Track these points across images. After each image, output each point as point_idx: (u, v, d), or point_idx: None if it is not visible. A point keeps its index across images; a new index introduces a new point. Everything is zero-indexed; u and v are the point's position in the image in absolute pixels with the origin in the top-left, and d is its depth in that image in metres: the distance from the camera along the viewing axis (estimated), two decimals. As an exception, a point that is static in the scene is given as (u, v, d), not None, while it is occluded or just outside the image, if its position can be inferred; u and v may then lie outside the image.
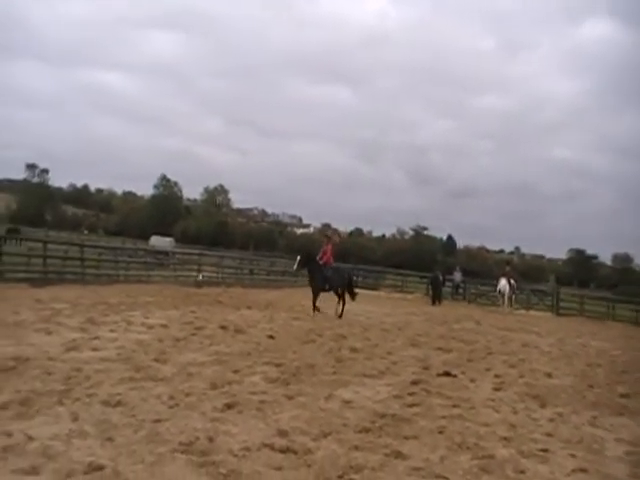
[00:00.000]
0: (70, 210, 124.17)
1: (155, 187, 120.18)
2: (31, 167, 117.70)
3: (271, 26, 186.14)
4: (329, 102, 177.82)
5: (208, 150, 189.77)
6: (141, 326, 12.94)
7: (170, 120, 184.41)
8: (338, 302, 19.94)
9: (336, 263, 21.80)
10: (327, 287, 19.68)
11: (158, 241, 69.90)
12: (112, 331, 11.91)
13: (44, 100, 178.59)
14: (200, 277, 28.93)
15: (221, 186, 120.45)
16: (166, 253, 36.49)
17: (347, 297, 20.36)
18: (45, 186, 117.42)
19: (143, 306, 16.46)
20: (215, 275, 31.81)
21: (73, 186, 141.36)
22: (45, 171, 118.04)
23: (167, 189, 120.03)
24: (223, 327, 13.73)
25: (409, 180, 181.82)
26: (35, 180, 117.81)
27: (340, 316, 19.13)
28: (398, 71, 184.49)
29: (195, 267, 31.07)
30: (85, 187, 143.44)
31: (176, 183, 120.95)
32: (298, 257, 19.86)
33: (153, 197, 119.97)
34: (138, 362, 9.11)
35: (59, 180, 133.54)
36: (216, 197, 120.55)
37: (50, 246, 26.10)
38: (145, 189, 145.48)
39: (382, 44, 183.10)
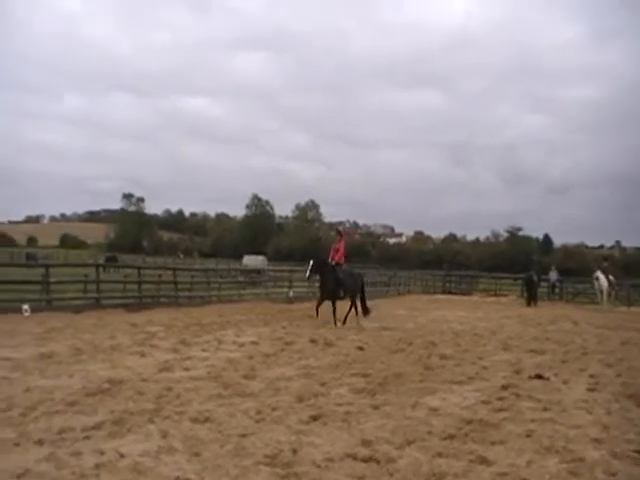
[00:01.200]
0: (166, 235, 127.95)
1: (247, 207, 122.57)
2: (127, 197, 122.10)
3: (354, 35, 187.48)
4: (416, 108, 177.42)
5: (296, 166, 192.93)
6: (232, 344, 13.22)
7: (258, 139, 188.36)
8: (350, 309, 18.53)
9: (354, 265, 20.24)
10: (340, 293, 17.98)
11: (251, 260, 70.96)
12: (204, 351, 12.22)
13: (135, 130, 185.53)
14: (291, 293, 29.22)
15: (312, 201, 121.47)
16: (258, 271, 37.08)
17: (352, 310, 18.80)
18: (141, 214, 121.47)
19: (235, 325, 16.80)
20: (306, 290, 32.08)
21: (168, 212, 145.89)
22: (141, 199, 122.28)
23: (259, 208, 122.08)
24: (313, 341, 13.87)
25: (502, 181, 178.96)
26: (132, 209, 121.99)
27: (344, 322, 17.81)
28: (485, 71, 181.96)
29: (286, 283, 31.42)
30: (179, 212, 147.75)
31: (268, 202, 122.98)
32: (310, 262, 18.11)
33: (246, 217, 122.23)
34: (227, 379, 9.32)
35: (154, 207, 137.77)
36: (307, 212, 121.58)
37: (145, 272, 26.96)
38: (238, 210, 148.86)
39: (468, 44, 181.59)
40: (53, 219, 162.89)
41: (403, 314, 22.85)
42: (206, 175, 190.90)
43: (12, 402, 7.59)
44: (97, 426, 6.59)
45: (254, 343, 13.44)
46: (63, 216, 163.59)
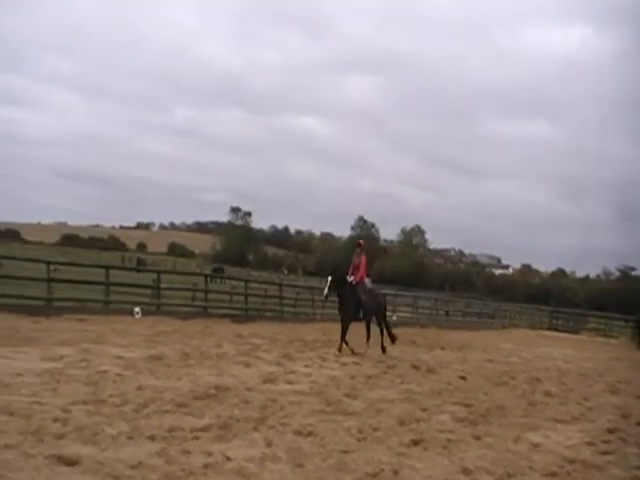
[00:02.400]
0: (271, 251, 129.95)
1: (352, 228, 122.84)
2: (235, 210, 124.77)
3: (468, 62, 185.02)
4: (527, 137, 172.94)
5: (404, 190, 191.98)
6: (334, 363, 13.37)
7: (365, 161, 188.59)
8: (381, 334, 16.17)
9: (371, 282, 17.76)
10: (361, 315, 15.60)
11: (353, 281, 70.86)
12: (307, 366, 12.41)
13: (246, 146, 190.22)
14: (394, 317, 29.14)
15: (417, 227, 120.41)
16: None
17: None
18: (248, 228, 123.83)
19: (337, 344, 16.90)
20: (410, 315, 31.92)
21: (274, 228, 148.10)
22: (248, 214, 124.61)
23: (364, 230, 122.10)
24: (415, 366, 13.83)
25: (616, 217, 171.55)
26: (239, 222, 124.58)
27: (384, 350, 15.82)
28: (601, 102, 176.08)
29: (389, 307, 31.33)
30: (285, 229, 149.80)
31: (373, 224, 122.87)
32: (329, 278, 15.68)
33: (350, 238, 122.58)
34: (330, 396, 9.44)
35: (261, 222, 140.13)
36: (413, 237, 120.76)
37: (251, 285, 27.54)
38: (343, 230, 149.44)
39: (584, 73, 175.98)
40: (162, 227, 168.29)
41: (508, 348, 22.43)
42: (312, 193, 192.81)
43: (125, 398, 7.97)
44: (205, 428, 6.84)
45: (356, 364, 13.54)
46: (172, 225, 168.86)
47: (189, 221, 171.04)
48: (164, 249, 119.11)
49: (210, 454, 5.99)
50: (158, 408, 7.59)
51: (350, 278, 15.72)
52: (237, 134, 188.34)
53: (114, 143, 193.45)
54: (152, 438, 6.34)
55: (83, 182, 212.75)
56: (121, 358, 11.20)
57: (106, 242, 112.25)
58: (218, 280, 40.10)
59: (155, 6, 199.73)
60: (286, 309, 25.42)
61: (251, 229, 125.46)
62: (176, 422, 7.00)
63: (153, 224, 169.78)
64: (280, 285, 27.83)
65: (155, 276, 23.01)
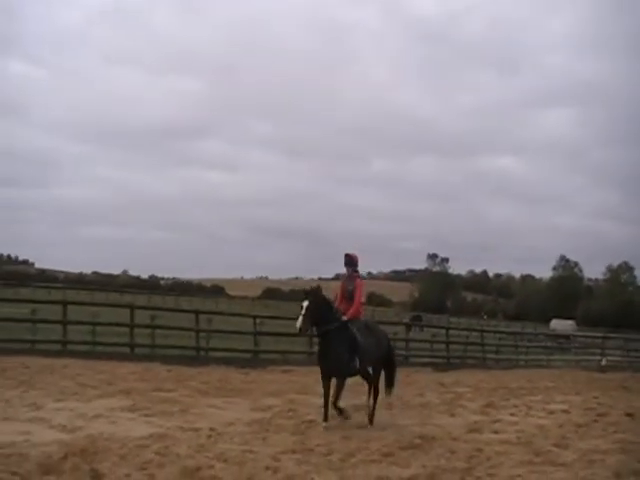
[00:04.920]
0: (470, 296, 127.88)
1: (554, 268, 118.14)
2: (432, 257, 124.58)
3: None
4: None
5: (607, 225, 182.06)
6: (541, 411, 12.79)
7: (564, 196, 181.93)
8: (369, 392, 10.70)
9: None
10: (354, 366, 10.07)
11: (559, 324, 68.01)
12: (512, 415, 11.99)
13: (439, 191, 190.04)
14: (604, 361, 27.50)
15: (625, 263, 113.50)
16: (567, 337, 35.55)
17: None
18: (446, 274, 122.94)
19: (543, 391, 16.25)
20: (620, 359, 29.98)
21: (472, 272, 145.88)
22: (445, 260, 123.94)
23: (567, 270, 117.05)
24: (629, 414, 12.90)
25: None
26: (436, 269, 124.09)
27: (371, 420, 10.39)
28: None
29: (598, 351, 29.66)
30: (484, 273, 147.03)
31: (576, 263, 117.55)
32: (305, 303, 9.97)
33: (552, 279, 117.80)
34: (538, 446, 9.03)
35: (458, 267, 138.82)
36: (620, 275, 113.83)
37: (451, 332, 27.20)
38: (544, 271, 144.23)
39: None
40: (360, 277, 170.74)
41: None
42: (510, 235, 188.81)
43: (332, 447, 8.15)
44: (411, 478, 6.81)
45: (565, 411, 12.85)
46: (370, 274, 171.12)
47: (386, 270, 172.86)
48: (362, 299, 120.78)
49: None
50: (364, 458, 7.67)
51: (340, 314, 10.25)
52: (432, 180, 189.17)
53: (313, 198, 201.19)
54: (358, 487, 6.41)
55: (283, 237, 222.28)
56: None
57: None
58: (417, 328, 40.01)
59: (346, 63, 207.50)
60: (489, 356, 24.81)
61: (449, 275, 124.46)
62: (383, 472, 7.03)
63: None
64: (482, 332, 27.28)
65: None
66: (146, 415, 9.92)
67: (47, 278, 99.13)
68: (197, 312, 19.91)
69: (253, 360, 18.37)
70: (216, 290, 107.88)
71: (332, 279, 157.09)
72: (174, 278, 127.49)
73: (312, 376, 15.81)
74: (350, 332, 10.11)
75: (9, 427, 8.39)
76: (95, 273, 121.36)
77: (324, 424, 9.73)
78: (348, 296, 10.70)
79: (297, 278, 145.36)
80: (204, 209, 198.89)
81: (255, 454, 7.57)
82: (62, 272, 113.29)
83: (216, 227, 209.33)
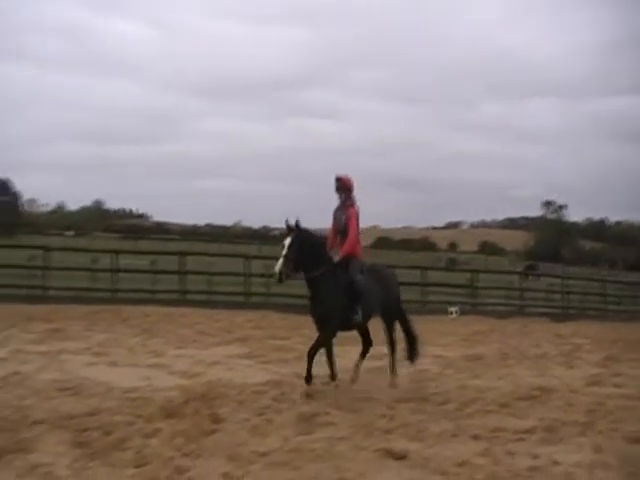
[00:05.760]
0: (587, 245, 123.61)
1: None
2: (548, 204, 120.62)
3: None
4: None
5: None
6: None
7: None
8: (391, 351, 9.08)
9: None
10: (356, 317, 8.25)
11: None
12: (633, 368, 11.50)
13: (555, 135, 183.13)
14: None
15: None
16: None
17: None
18: (562, 222, 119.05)
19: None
20: None
21: (590, 220, 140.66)
22: (562, 207, 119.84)
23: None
24: None
25: None
26: (552, 216, 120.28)
27: (393, 372, 8.97)
28: None
29: None
30: (602, 220, 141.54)
31: None
32: (287, 241, 8.00)
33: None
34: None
35: (576, 215, 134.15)
36: None
37: (569, 282, 26.44)
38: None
39: None
40: (473, 226, 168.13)
41: None
42: (631, 180, 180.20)
43: (447, 397, 8.16)
44: (529, 430, 6.69)
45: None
46: (483, 223, 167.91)
47: (500, 218, 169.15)
48: (475, 247, 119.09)
49: (536, 457, 5.84)
50: (480, 408, 7.61)
51: (334, 255, 8.32)
52: (547, 124, 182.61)
53: (424, 146, 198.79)
54: (476, 438, 6.37)
55: (393, 186, 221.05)
56: (441, 357, 11.48)
57: (417, 243, 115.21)
58: (531, 278, 39.13)
59: (457, 4, 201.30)
60: (610, 307, 23.99)
61: (565, 223, 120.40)
62: (499, 423, 6.97)
63: (463, 223, 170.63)
64: (603, 281, 26.38)
65: (468, 275, 23.15)
66: (262, 362, 10.22)
67: (163, 230, 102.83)
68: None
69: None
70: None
71: (444, 228, 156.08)
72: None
73: (426, 325, 15.86)
74: (347, 275, 8.22)
75: (133, 372, 8.87)
76: (208, 225, 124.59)
77: (306, 387, 7.93)
78: (341, 230, 8.46)
79: (408, 227, 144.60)
80: (314, 159, 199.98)
81: (370, 402, 7.67)
82: (177, 224, 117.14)
83: (326, 177, 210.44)
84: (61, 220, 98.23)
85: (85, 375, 8.50)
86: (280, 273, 7.89)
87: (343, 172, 8.83)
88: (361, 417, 6.91)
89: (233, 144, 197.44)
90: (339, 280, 8.17)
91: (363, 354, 9.06)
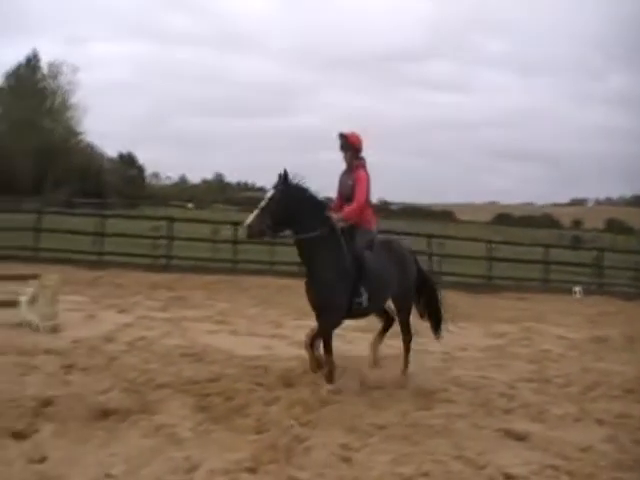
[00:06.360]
0: None
1: None
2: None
3: None
4: None
5: None
6: None
7: None
8: (405, 338, 7.56)
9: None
10: (363, 300, 6.64)
11: None
12: None
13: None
14: None
15: None
16: None
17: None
18: None
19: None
20: None
21: None
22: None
23: None
24: None
25: None
26: None
27: (405, 368, 7.44)
28: None
29: None
30: None
31: None
32: (269, 194, 6.59)
33: None
34: None
35: None
36: None
37: None
38: None
39: None
40: (598, 202, 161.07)
41: None
42: None
43: (570, 379, 7.91)
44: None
45: None
46: (609, 200, 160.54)
47: (628, 195, 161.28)
48: (600, 226, 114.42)
49: None
50: (605, 392, 7.33)
51: (334, 215, 6.80)
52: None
53: (548, 118, 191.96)
54: (600, 422, 6.14)
55: (517, 160, 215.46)
56: (563, 338, 11.13)
57: (539, 220, 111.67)
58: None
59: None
60: None
61: None
62: (625, 409, 6.68)
63: (588, 200, 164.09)
64: None
65: (594, 254, 22.29)
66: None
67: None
68: (430, 236, 19.93)
69: (485, 285, 18.18)
70: (445, 214, 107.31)
71: (568, 204, 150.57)
72: (402, 203, 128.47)
73: (548, 304, 15.46)
74: (349, 246, 6.66)
75: (254, 342, 9.07)
76: (327, 198, 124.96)
77: (328, 387, 6.41)
78: (347, 197, 6.95)
79: (529, 204, 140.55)
80: (433, 132, 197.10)
81: (490, 380, 7.54)
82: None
83: (445, 151, 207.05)
84: (182, 193, 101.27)
85: (207, 342, 8.73)
86: (250, 227, 6.39)
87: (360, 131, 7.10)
88: (480, 395, 6.80)
89: (351, 117, 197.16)
90: (341, 252, 6.60)
91: (383, 331, 7.63)
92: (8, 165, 47.31)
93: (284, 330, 10.17)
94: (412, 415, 5.96)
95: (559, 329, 11.89)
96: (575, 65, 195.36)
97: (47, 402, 5.50)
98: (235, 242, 18.88)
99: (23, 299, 9.05)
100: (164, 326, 9.75)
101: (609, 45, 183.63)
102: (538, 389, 7.32)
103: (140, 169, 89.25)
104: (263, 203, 6.44)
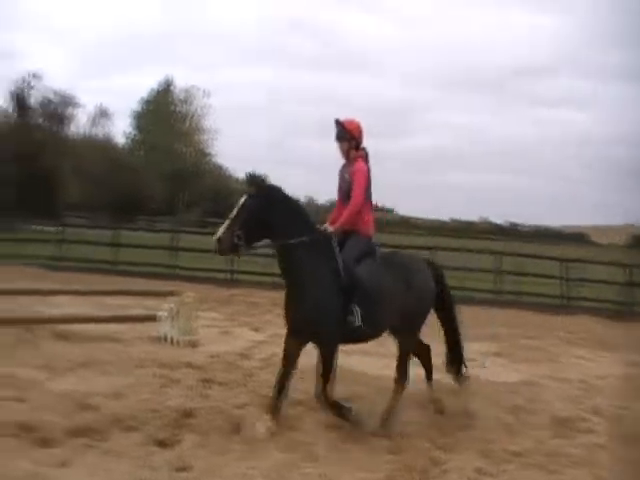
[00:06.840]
0: None
1: None
2: None
3: None
4: None
5: None
6: None
7: None
8: (397, 379, 6.30)
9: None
10: (355, 320, 5.64)
11: None
12: None
13: None
14: None
15: None
16: None
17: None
18: None
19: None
20: None
21: None
22: None
23: None
24: None
25: None
26: None
27: (385, 419, 5.97)
28: None
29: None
30: None
31: None
32: (242, 199, 5.72)
33: None
34: None
35: None
36: None
37: None
38: None
39: None
40: None
41: None
42: None
43: None
44: None
45: None
46: None
47: None
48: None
49: None
50: None
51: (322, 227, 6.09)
52: None
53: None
54: None
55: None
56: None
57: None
58: None
59: None
60: None
61: None
62: None
63: None
64: None
65: None
66: (513, 361, 9.98)
67: (407, 225, 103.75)
68: (562, 260, 19.33)
69: (624, 312, 17.38)
70: (578, 237, 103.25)
71: None
72: (533, 225, 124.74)
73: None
74: (341, 257, 5.80)
75: (381, 361, 8.55)
76: (453, 220, 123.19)
77: (265, 424, 5.54)
78: (347, 192, 6.17)
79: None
80: (559, 150, 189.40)
81: (633, 412, 7.22)
82: (419, 219, 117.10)
83: (573, 169, 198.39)
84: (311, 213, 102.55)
85: (340, 362, 8.72)
86: (219, 241, 5.57)
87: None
88: (622, 426, 6.52)
89: (472, 137, 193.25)
90: (327, 263, 5.75)
91: (427, 371, 6.66)
92: (144, 187, 49.32)
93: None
94: (549, 443, 5.82)
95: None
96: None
97: (188, 414, 5.76)
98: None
99: (164, 314, 9.42)
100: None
101: None
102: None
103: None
104: (234, 212, 5.66)
